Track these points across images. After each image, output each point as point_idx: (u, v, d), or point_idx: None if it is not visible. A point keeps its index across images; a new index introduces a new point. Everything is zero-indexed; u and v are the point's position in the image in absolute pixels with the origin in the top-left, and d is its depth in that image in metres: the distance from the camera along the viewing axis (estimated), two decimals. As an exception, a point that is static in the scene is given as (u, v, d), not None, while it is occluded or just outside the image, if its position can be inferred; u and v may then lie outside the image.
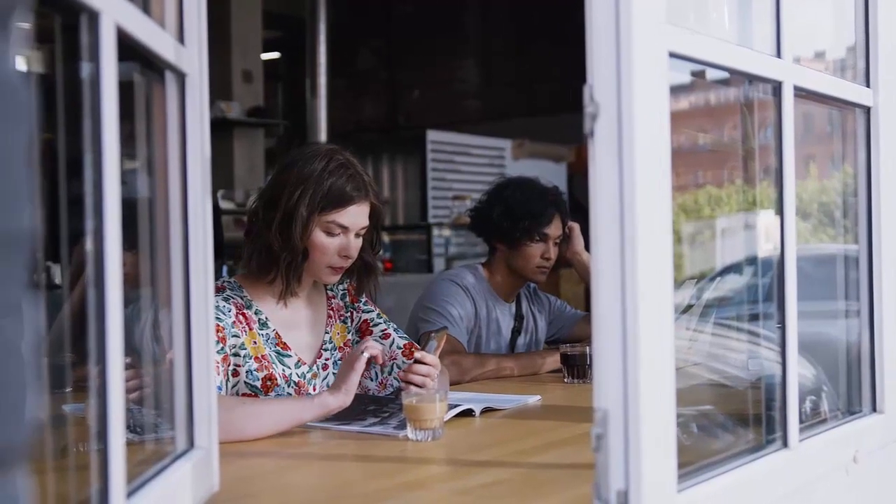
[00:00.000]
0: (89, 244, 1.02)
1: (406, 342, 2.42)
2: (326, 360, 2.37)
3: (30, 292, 0.61)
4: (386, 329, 2.44)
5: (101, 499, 1.03)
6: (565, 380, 2.74)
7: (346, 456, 1.83)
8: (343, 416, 2.07)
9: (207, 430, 1.44)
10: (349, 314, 2.46)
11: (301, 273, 2.27)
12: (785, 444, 1.55)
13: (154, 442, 1.46)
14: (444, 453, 1.85)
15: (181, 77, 1.39)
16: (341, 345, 2.41)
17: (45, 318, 0.73)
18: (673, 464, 1.25)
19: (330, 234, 2.23)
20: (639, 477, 1.18)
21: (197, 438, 1.43)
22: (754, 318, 1.94)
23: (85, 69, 1.03)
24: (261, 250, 2.25)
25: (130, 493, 1.13)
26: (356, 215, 2.25)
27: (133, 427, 1.33)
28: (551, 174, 6.84)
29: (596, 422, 1.21)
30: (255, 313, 2.27)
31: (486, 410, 2.24)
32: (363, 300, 2.47)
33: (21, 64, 0.60)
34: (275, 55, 10.57)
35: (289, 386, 2.25)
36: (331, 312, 2.42)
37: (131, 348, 1.15)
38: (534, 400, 2.41)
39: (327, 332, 2.39)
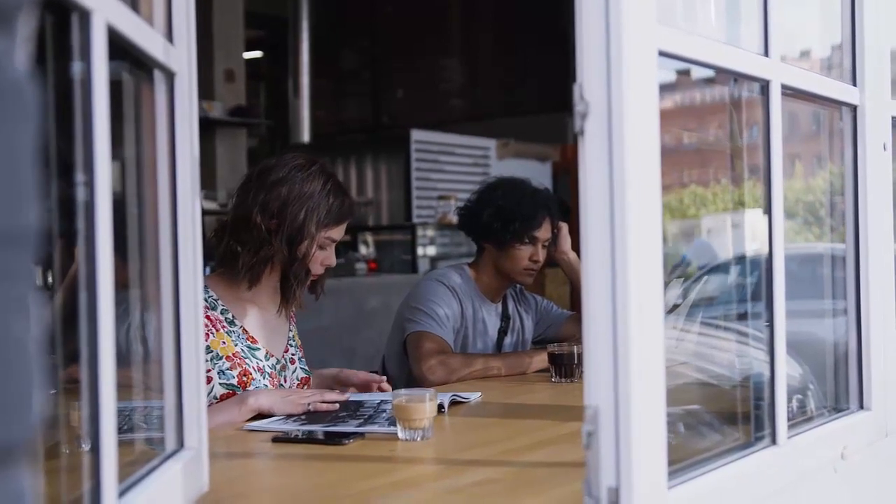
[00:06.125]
0: (81, 246, 1.02)
1: (305, 376, 2.54)
2: (293, 355, 2.51)
3: (35, 290, 0.61)
4: (297, 354, 2.56)
5: (93, 498, 1.02)
6: (552, 379, 2.74)
7: (335, 456, 1.82)
8: (326, 420, 2.08)
9: (197, 430, 1.43)
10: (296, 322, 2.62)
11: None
12: (773, 440, 1.56)
13: (143, 442, 1.46)
14: (434, 453, 1.86)
15: (170, 76, 1.39)
16: (300, 344, 2.57)
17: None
18: (663, 461, 1.25)
19: (321, 247, 2.38)
20: (629, 474, 1.19)
21: (187, 439, 1.42)
22: (741, 317, 1.95)
23: (75, 68, 1.03)
24: (264, 260, 2.34)
25: (121, 494, 1.12)
26: (344, 230, 2.44)
27: (122, 427, 1.32)
28: (536, 174, 6.85)
29: (587, 419, 1.21)
30: (221, 313, 2.36)
31: (454, 403, 2.31)
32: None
33: (26, 63, 0.60)
34: (257, 54, 10.56)
35: (264, 378, 2.35)
36: (291, 314, 2.55)
37: (118, 349, 1.14)
38: (475, 397, 2.43)
39: (291, 330, 2.53)
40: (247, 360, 2.33)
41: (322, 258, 2.39)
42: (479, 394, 2.46)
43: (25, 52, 0.61)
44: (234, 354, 2.31)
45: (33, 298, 0.61)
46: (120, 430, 1.13)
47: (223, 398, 2.25)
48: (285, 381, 2.44)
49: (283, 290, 2.39)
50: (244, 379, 2.30)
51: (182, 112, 1.41)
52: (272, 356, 2.41)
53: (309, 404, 2.17)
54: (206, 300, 2.32)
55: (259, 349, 2.38)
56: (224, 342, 2.31)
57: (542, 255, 3.09)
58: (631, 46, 1.19)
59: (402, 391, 2.00)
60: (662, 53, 1.27)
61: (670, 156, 1.54)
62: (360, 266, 6.73)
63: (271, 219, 2.32)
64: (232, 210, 2.41)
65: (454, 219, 3.43)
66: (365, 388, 2.48)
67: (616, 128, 1.19)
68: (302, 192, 2.32)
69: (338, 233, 2.40)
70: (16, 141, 0.57)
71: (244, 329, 2.37)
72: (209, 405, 2.20)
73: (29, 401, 0.60)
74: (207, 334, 2.26)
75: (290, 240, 2.32)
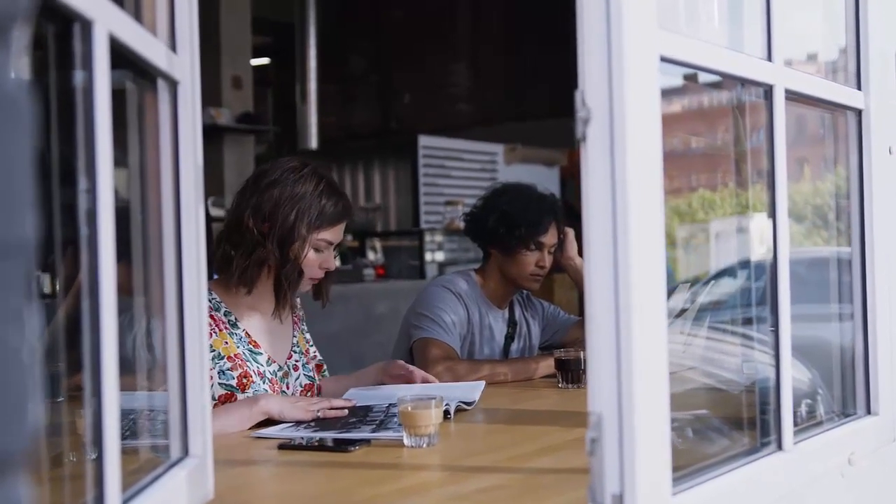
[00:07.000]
0: (83, 253, 1.02)
1: (308, 383, 2.54)
2: (296, 361, 2.50)
3: (31, 300, 0.62)
4: (312, 351, 2.60)
5: (96, 508, 1.02)
6: (559, 384, 2.74)
7: (341, 463, 1.82)
8: (337, 427, 2.07)
9: (202, 438, 1.43)
10: (304, 326, 2.61)
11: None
12: (780, 446, 1.56)
13: (148, 449, 1.46)
14: (440, 459, 1.85)
15: (173, 85, 1.39)
16: (305, 350, 2.55)
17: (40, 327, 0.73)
18: (668, 467, 1.25)
19: (317, 250, 2.38)
20: (633, 480, 1.18)
21: (191, 447, 1.42)
22: (748, 321, 1.94)
23: (77, 77, 1.03)
24: (258, 263, 2.34)
25: (125, 502, 1.12)
26: (341, 232, 2.43)
27: (125, 433, 1.32)
28: (543, 179, 6.84)
29: (590, 426, 1.20)
30: (225, 315, 2.36)
31: (459, 410, 2.30)
32: (304, 320, 2.62)
33: (22, 73, 0.61)
34: (264, 61, 10.57)
35: (263, 382, 2.35)
36: (295, 319, 2.56)
37: (124, 358, 1.14)
38: (480, 388, 2.47)
39: (294, 336, 2.53)
40: (248, 363, 2.33)
41: (319, 261, 2.38)
42: (483, 383, 2.52)
43: (21, 62, 0.61)
44: (235, 355, 2.32)
45: (29, 309, 0.61)
46: (123, 437, 1.13)
47: (222, 399, 2.26)
48: (287, 388, 2.43)
49: (276, 293, 2.39)
50: (244, 381, 2.30)
51: (185, 120, 1.41)
52: (274, 362, 2.41)
53: (318, 411, 2.17)
54: (209, 301, 2.32)
55: (261, 354, 2.38)
56: (226, 342, 2.32)
57: (548, 260, 3.09)
58: (632, 52, 1.19)
59: (408, 397, 2.00)
60: (664, 59, 1.27)
61: (678, 160, 1.54)
62: (368, 272, 6.72)
63: (263, 221, 2.32)
64: (227, 215, 2.43)
65: (462, 224, 3.43)
66: (408, 380, 2.51)
67: (618, 133, 1.19)
68: (293, 193, 2.32)
69: (332, 235, 2.38)
70: (11, 152, 0.58)
71: (247, 333, 2.38)
72: (213, 406, 2.21)
73: (24, 411, 0.60)
74: (210, 333, 2.26)
75: (281, 241, 2.32)
